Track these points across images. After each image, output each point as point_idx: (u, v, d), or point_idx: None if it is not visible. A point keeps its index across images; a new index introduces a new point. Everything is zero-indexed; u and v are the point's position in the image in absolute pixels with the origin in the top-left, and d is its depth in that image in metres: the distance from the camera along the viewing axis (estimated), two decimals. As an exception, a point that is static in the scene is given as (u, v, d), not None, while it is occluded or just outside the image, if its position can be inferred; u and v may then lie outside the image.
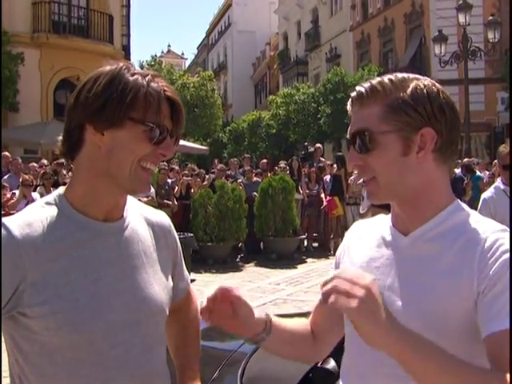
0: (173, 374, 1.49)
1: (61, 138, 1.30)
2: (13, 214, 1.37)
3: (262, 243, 11.88)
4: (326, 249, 11.96)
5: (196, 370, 1.51)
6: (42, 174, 9.62)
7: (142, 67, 29.12)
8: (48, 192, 8.76)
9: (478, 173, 11.61)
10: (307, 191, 12.21)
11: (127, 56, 22.35)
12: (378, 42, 28.41)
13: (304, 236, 12.08)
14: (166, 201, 10.45)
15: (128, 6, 23.02)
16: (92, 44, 19.26)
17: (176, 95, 1.29)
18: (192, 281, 1.74)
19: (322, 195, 12.14)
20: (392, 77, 1.22)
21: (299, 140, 26.30)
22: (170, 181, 11.15)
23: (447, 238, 1.19)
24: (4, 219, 1.21)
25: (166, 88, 1.27)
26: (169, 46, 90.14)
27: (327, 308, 1.00)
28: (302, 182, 12.27)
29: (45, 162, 12.04)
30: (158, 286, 1.36)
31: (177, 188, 11.37)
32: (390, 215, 1.34)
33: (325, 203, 11.98)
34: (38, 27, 18.41)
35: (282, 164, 13.09)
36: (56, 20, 19.04)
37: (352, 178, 10.94)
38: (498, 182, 4.63)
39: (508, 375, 1.00)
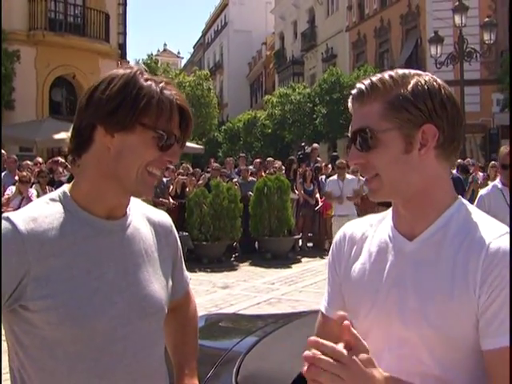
0: (170, 371, 1.50)
1: (69, 134, 1.31)
2: (9, 211, 1.38)
3: (256, 243, 11.86)
4: (320, 249, 11.97)
5: (193, 368, 1.52)
6: (37, 172, 9.56)
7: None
8: (43, 190, 8.74)
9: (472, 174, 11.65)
10: (302, 192, 12.18)
11: (123, 54, 22.29)
12: (374, 42, 28.45)
13: (299, 236, 12.10)
14: (161, 199, 10.44)
15: (124, 4, 22.94)
16: (88, 42, 19.23)
17: (186, 104, 1.32)
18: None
19: (318, 195, 12.14)
20: (393, 73, 1.20)
21: (294, 140, 26.33)
22: (165, 180, 11.13)
23: (452, 241, 1.16)
24: (9, 214, 1.22)
25: (177, 96, 1.29)
26: (165, 44, 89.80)
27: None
28: (297, 182, 12.29)
29: (39, 159, 11.99)
30: (158, 284, 1.38)
31: (172, 187, 11.36)
32: (383, 215, 1.32)
33: (320, 203, 12.00)
34: (34, 25, 18.35)
35: (277, 164, 13.08)
36: (52, 18, 18.99)
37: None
38: (497, 181, 4.77)
39: None
